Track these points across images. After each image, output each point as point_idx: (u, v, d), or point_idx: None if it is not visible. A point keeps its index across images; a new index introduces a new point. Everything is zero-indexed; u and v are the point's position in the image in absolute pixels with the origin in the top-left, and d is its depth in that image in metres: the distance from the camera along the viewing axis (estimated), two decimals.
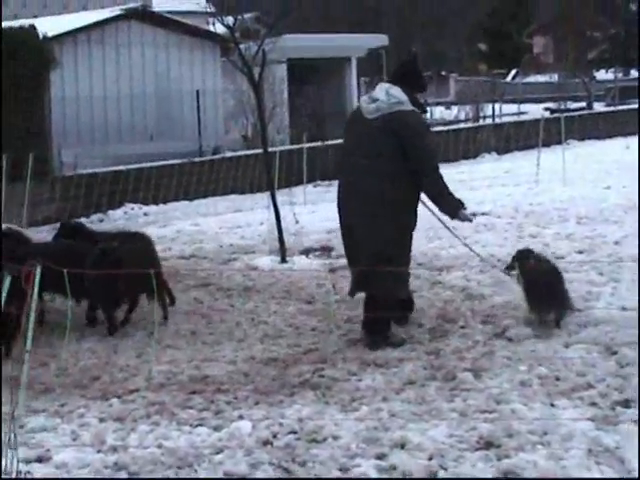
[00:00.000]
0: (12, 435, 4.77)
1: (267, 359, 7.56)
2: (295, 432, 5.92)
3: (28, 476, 4.75)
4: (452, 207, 7.98)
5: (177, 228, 14.59)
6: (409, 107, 7.81)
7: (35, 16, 23.21)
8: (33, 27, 16.36)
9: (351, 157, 7.95)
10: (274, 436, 5.89)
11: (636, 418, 5.77)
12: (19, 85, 15.73)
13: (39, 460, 5.62)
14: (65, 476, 5.39)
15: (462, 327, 8.18)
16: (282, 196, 12.15)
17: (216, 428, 6.08)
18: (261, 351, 7.80)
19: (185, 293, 10.07)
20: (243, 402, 6.54)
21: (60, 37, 18.99)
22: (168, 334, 8.37)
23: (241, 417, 6.22)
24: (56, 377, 7.15)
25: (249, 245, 12.79)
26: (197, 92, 20.93)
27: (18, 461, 4.79)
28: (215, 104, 21.75)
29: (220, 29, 16.07)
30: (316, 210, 15.15)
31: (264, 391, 6.76)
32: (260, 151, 19.00)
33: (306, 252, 11.66)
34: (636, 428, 5.59)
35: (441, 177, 7.98)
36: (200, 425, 6.14)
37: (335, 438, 5.75)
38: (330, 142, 20.92)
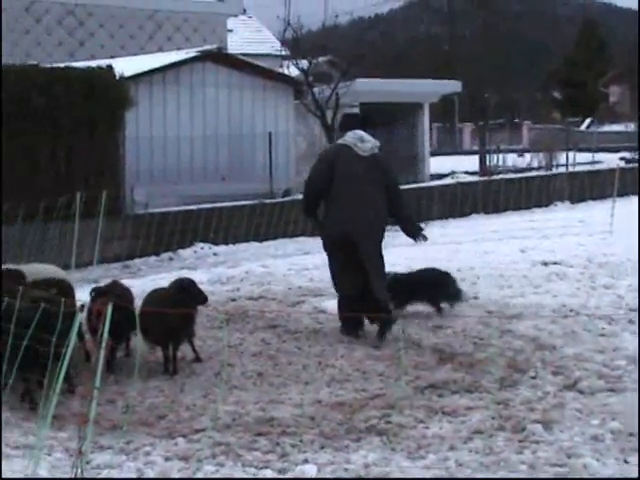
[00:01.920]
0: (79, 470, 4.77)
1: (334, 403, 7.49)
2: (361, 478, 5.85)
3: None
4: (416, 230, 10.11)
5: (246, 269, 14.60)
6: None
7: (112, 57, 23.59)
8: (110, 67, 16.61)
9: (352, 185, 9.53)
10: None
11: None
12: (95, 124, 15.96)
13: None
14: None
15: (532, 377, 8.03)
16: None
17: (281, 471, 6.03)
18: (328, 395, 7.74)
19: (253, 334, 10.06)
20: (309, 445, 6.48)
21: (136, 77, 19.25)
22: (235, 375, 8.34)
23: (306, 461, 6.17)
24: (123, 414, 7.16)
25: (318, 288, 12.74)
26: (269, 134, 21.05)
27: None
28: (287, 146, 21.84)
29: (294, 72, 16.30)
30: (384, 255, 15.05)
31: (330, 435, 6.69)
32: None
33: None
34: None
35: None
36: (265, 467, 6.10)
37: None
38: (401, 187, 20.90)
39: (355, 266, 9.69)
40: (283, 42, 25.37)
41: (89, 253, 14.99)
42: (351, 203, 9.61)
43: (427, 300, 10.74)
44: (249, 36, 40.15)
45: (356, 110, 23.88)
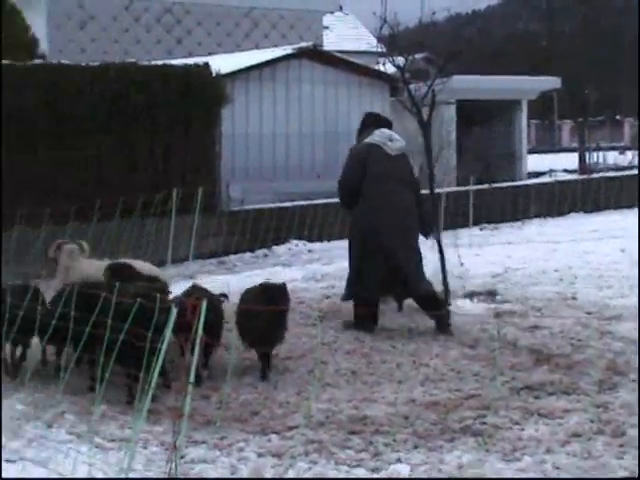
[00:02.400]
0: (173, 465, 4.79)
1: (427, 402, 7.42)
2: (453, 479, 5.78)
3: None
4: (432, 225, 10.41)
5: (340, 266, 14.51)
6: None
7: (209, 54, 23.78)
8: (207, 64, 16.73)
9: (382, 184, 9.75)
10: None
11: None
12: (191, 121, 16.09)
13: None
14: None
15: (633, 380, 7.84)
16: (447, 238, 12.00)
17: (374, 470, 5.99)
18: (422, 394, 7.67)
19: (346, 332, 10.03)
20: (402, 445, 6.43)
21: (233, 74, 19.36)
22: (328, 372, 8.32)
23: (399, 460, 6.12)
24: (217, 410, 7.19)
25: None
26: None
27: None
28: None
29: (390, 69, 16.15)
30: (481, 253, 14.92)
31: (423, 435, 6.63)
32: (424, 192, 19.08)
33: (470, 295, 11.45)
34: None
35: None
36: (358, 466, 6.06)
37: None
38: (498, 185, 20.69)
39: (378, 264, 9.85)
40: (379, 39, 25.27)
41: (185, 249, 15.13)
42: (381, 201, 9.83)
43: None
44: (345, 33, 40.17)
45: (452, 105, 23.74)
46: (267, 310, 7.86)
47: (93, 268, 9.52)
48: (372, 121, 10.41)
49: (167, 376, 7.62)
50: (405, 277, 9.91)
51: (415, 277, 9.97)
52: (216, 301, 8.16)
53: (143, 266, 9.72)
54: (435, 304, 9.83)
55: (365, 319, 9.94)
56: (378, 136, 9.98)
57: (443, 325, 9.71)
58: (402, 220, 9.89)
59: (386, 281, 9.88)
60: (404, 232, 9.91)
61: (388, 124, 10.42)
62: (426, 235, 10.41)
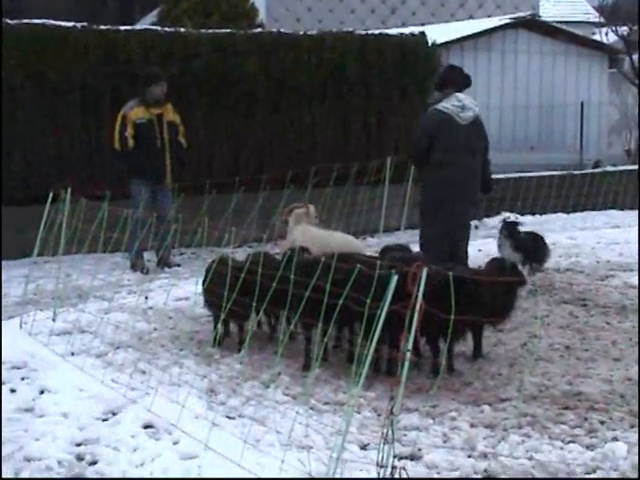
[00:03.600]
0: (389, 430, 4.84)
1: None
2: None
3: (402, 472, 4.80)
4: (492, 184, 10.35)
5: (553, 240, 14.28)
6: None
7: (422, 24, 23.73)
8: (423, 34, 16.70)
9: (458, 156, 9.64)
10: None
11: None
12: (406, 90, 16.11)
13: (411, 458, 5.69)
14: (436, 477, 5.41)
15: None
16: None
17: (589, 447, 5.87)
18: (638, 373, 7.46)
19: (560, 307, 9.87)
20: (618, 423, 6.27)
21: (448, 44, 19.26)
22: (542, 346, 8.20)
23: (615, 439, 5.97)
24: (429, 379, 7.21)
25: (627, 263, 12.33)
26: (581, 104, 20.50)
27: (394, 456, 4.85)
28: (599, 117, 21.22)
29: (607, 40, 15.76)
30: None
31: None
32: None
33: None
34: None
35: None
36: (572, 442, 5.95)
37: None
38: None
39: (449, 234, 9.85)
40: (599, 8, 24.63)
41: (397, 218, 15.19)
42: (449, 173, 9.72)
43: None
44: (561, 2, 39.22)
45: None
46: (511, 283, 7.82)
47: (310, 235, 9.71)
48: (450, 79, 9.96)
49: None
50: (455, 252, 9.81)
51: (462, 254, 9.96)
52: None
53: (343, 238, 9.90)
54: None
55: None
56: (452, 105, 9.64)
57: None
58: (469, 194, 9.91)
59: (445, 252, 9.64)
60: (472, 205, 10.09)
61: (467, 82, 10.02)
62: (485, 193, 10.37)
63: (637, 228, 11.87)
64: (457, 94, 9.74)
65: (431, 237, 9.89)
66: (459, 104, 9.67)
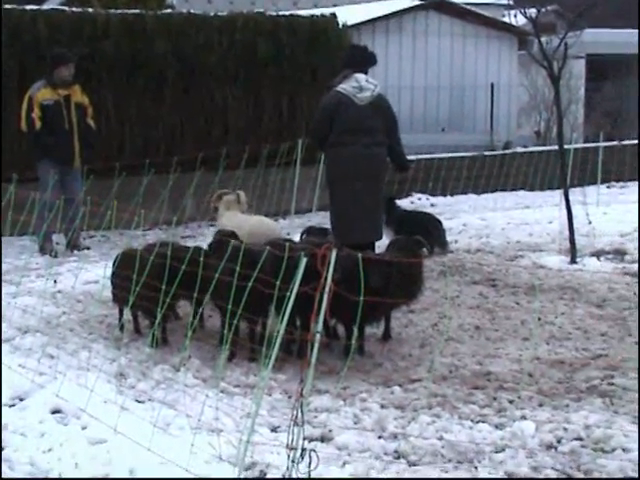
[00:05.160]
0: (299, 412, 4.83)
1: (553, 361, 7.32)
2: (581, 439, 5.69)
3: (313, 454, 4.79)
4: (407, 163, 10.30)
5: (464, 221, 14.49)
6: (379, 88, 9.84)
7: (335, 5, 23.71)
8: (333, 15, 16.68)
9: (354, 136, 9.55)
10: (558, 441, 5.68)
11: None
12: (317, 71, 16.08)
13: (322, 439, 5.70)
14: (346, 458, 5.42)
15: None
16: (573, 195, 11.78)
17: (498, 426, 5.94)
18: (547, 352, 7.57)
19: (470, 287, 9.98)
20: (527, 402, 6.36)
21: (359, 25, 19.29)
22: (452, 327, 8.27)
23: (524, 417, 6.05)
24: (340, 360, 7.22)
25: (537, 243, 12.52)
26: (492, 85, 20.72)
27: (304, 438, 4.84)
28: (509, 98, 21.47)
29: (517, 22, 15.91)
30: (608, 212, 14.60)
31: (549, 393, 6.54)
32: (552, 148, 18.77)
33: (597, 254, 11.25)
34: None
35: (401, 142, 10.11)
36: (482, 422, 6.02)
37: (624, 450, 5.45)
38: (627, 142, 20.20)
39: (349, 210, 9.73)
40: None
41: (309, 200, 15.18)
42: (346, 152, 9.66)
43: None
44: None
45: (582, 60, 23.21)
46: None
47: (235, 221, 9.67)
48: (350, 60, 9.95)
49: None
50: (361, 222, 9.72)
51: (369, 222, 9.79)
52: None
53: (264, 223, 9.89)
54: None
55: None
56: (350, 86, 9.63)
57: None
58: (367, 171, 9.68)
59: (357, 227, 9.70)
60: (369, 182, 9.71)
61: (369, 62, 10.01)
62: (402, 170, 10.48)
63: (637, 223, 12.00)
64: (356, 75, 9.70)
65: (332, 216, 9.97)
66: (357, 85, 9.64)
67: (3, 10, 13.76)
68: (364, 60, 9.96)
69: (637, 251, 11.26)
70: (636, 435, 5.61)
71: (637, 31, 26.55)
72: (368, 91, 9.65)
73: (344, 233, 9.46)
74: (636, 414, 6.04)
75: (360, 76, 9.71)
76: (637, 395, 6.37)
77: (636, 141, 20.54)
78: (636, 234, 12.32)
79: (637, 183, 18.57)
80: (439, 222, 12.36)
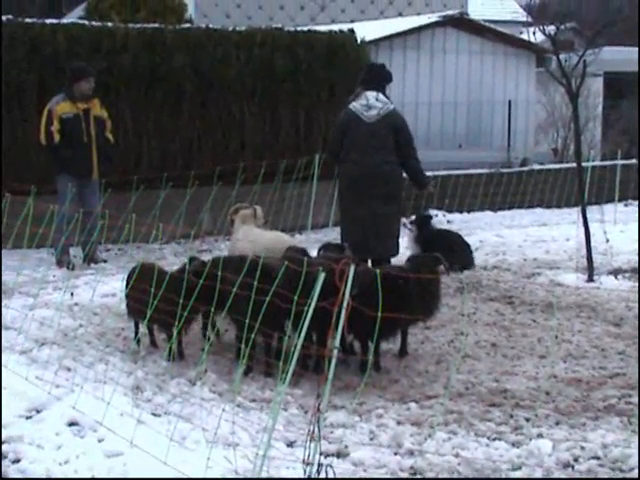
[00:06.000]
0: (316, 428, 4.83)
1: (570, 379, 7.30)
2: (598, 458, 5.67)
3: (329, 470, 4.79)
4: (425, 180, 10.58)
5: (480, 238, 14.46)
6: (393, 106, 10.19)
7: (352, 21, 23.75)
8: (352, 31, 16.71)
9: (361, 154, 9.95)
10: (575, 459, 5.67)
11: None
12: (334, 87, 16.10)
13: (338, 455, 5.69)
14: (362, 474, 5.41)
15: None
16: (591, 213, 11.74)
17: (515, 444, 5.92)
18: (564, 370, 7.55)
19: (486, 304, 9.96)
20: (543, 420, 6.34)
21: (377, 41, 19.31)
22: (468, 343, 8.26)
23: (541, 435, 6.03)
24: (356, 376, 7.22)
25: (554, 260, 12.50)
26: (509, 102, 20.71)
27: (321, 454, 4.84)
28: (527, 115, 21.44)
29: (535, 39, 15.89)
30: (626, 230, 14.58)
31: (566, 412, 6.52)
32: (569, 165, 18.75)
33: (615, 273, 11.21)
34: None
35: (418, 158, 10.35)
36: (498, 439, 6.01)
37: None
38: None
39: (355, 229, 10.12)
40: (527, 7, 24.86)
41: (325, 215, 15.19)
42: (353, 169, 10.07)
43: None
44: (489, 1, 39.55)
45: (599, 77, 23.16)
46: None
47: (251, 236, 9.66)
48: (367, 77, 10.35)
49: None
50: (367, 239, 10.00)
51: (376, 240, 10.04)
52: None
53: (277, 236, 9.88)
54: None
55: None
56: (359, 104, 10.09)
57: None
58: (374, 188, 9.97)
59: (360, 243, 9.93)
60: (375, 200, 9.99)
61: (385, 79, 10.43)
62: (421, 187, 10.75)
63: (637, 229, 11.99)
64: (367, 93, 10.11)
65: (343, 231, 10.37)
66: (365, 103, 10.05)
67: (24, 24, 13.84)
68: (379, 78, 10.33)
69: None
70: None
71: None
72: (375, 109, 10.02)
73: (351, 249, 9.58)
74: None
75: (370, 94, 10.11)
76: None
77: None
78: None
79: None
80: (467, 244, 12.37)
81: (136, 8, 19.67)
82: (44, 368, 7.19)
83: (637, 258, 12.00)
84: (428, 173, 17.44)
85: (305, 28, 18.02)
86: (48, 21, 14.45)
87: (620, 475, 5.43)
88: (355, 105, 10.14)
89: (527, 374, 7.43)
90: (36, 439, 5.82)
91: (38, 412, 6.33)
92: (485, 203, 17.97)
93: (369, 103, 10.06)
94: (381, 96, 10.15)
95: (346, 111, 10.20)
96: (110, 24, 14.99)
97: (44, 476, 5.36)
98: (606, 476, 5.38)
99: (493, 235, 14.82)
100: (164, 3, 19.79)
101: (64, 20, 17.87)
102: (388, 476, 5.41)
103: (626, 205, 18.38)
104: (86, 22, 15.38)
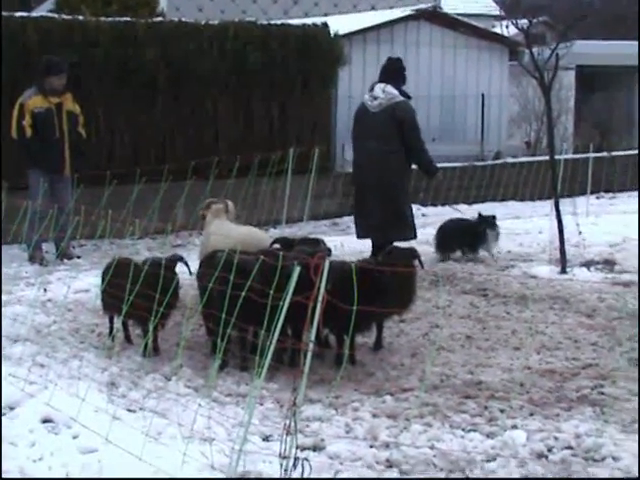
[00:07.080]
0: (292, 421, 4.83)
1: (543, 370, 7.34)
2: (571, 448, 5.71)
3: (305, 463, 4.79)
4: (432, 170, 11.24)
5: None
6: (401, 98, 10.85)
7: (325, 14, 23.72)
8: (325, 25, 16.69)
9: (364, 142, 10.84)
10: (549, 450, 5.71)
11: None
12: (308, 81, 16.11)
13: (314, 449, 5.70)
14: (338, 467, 5.42)
15: None
16: (563, 206, 11.78)
17: (489, 435, 5.96)
18: (537, 361, 7.60)
19: (461, 297, 10.00)
20: (518, 411, 6.38)
21: (350, 35, 19.30)
22: (443, 336, 8.29)
23: (515, 427, 6.07)
24: (332, 369, 7.22)
25: (527, 253, 12.55)
26: (482, 96, 20.75)
27: (297, 447, 4.85)
28: (500, 109, 21.48)
29: (507, 33, 15.96)
30: (598, 222, 14.66)
31: (539, 402, 6.56)
32: (542, 158, 18.81)
33: (587, 264, 11.27)
34: None
35: (425, 148, 11.03)
36: (473, 431, 6.04)
37: (615, 459, 5.48)
38: (617, 153, 20.27)
39: (361, 216, 11.15)
40: (500, 1, 24.92)
41: (300, 210, 15.17)
42: (359, 157, 11.08)
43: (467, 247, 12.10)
44: None
45: (571, 71, 23.25)
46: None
47: (223, 230, 9.61)
48: (382, 71, 11.14)
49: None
50: (375, 224, 10.93)
51: (384, 224, 10.88)
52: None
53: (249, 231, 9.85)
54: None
55: None
56: (370, 94, 10.95)
57: None
58: (375, 174, 10.82)
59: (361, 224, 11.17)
60: (378, 188, 10.82)
61: (397, 72, 11.13)
62: (429, 175, 11.46)
63: (637, 228, 12.03)
64: (378, 84, 10.93)
65: (354, 219, 11.43)
66: (372, 94, 10.89)
67: None
68: (390, 71, 11.09)
69: (626, 262, 11.31)
70: (626, 444, 5.63)
71: (625, 43, 26.72)
72: (377, 100, 10.81)
73: (356, 229, 11.23)
74: (625, 423, 6.06)
75: (378, 86, 10.95)
76: (627, 404, 6.41)
77: (625, 152, 20.64)
78: (625, 245, 12.39)
79: (626, 194, 18.69)
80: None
81: (107, 1, 19.58)
82: (17, 365, 7.16)
83: (608, 250, 12.11)
84: None
85: (278, 22, 17.99)
86: (18, 14, 14.34)
87: (592, 463, 5.47)
88: (365, 96, 11.04)
89: (501, 366, 7.47)
90: (9, 436, 5.78)
91: (11, 409, 6.29)
92: (459, 196, 17.99)
93: (375, 94, 10.83)
94: (389, 88, 10.86)
95: (361, 102, 11.07)
96: (81, 17, 14.90)
97: (18, 473, 5.33)
98: (578, 466, 5.41)
99: None
100: None
101: (34, 13, 17.72)
102: (364, 469, 5.42)
103: (598, 198, 18.49)
104: (56, 15, 15.29)
